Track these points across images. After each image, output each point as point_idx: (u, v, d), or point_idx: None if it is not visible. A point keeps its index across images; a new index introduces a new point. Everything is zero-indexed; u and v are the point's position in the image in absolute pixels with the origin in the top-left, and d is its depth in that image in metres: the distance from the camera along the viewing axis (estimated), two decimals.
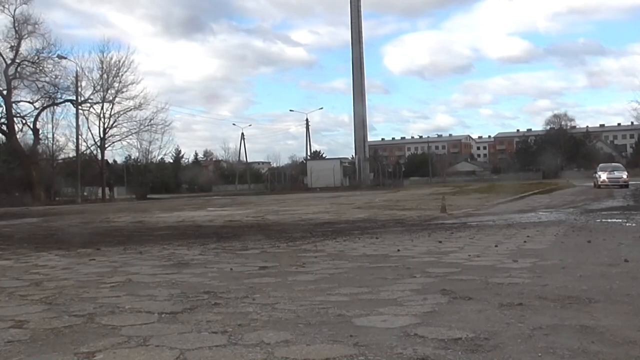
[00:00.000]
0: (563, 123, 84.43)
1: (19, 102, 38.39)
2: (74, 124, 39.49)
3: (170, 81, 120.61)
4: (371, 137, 76.24)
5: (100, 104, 41.38)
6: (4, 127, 37.76)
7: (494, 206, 17.37)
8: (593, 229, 9.30)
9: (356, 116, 51.49)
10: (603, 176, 29.44)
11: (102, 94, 41.41)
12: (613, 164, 35.73)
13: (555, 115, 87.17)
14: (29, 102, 38.62)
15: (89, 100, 40.93)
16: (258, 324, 3.45)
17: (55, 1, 79.81)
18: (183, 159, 71.42)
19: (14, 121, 37.50)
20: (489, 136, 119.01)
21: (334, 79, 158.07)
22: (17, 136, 37.99)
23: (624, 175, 29.94)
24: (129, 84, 41.90)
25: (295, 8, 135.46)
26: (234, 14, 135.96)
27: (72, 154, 40.64)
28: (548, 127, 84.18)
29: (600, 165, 32.85)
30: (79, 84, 39.26)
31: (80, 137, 39.73)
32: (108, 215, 18.40)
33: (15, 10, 36.20)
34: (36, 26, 36.88)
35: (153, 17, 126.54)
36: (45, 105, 39.00)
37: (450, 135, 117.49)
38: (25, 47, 37.57)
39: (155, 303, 4.19)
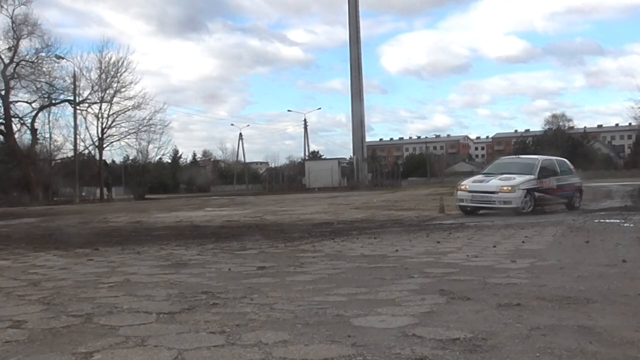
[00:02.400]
0: (561, 123, 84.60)
1: (16, 102, 38.39)
2: (72, 124, 39.49)
3: (166, 81, 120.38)
4: (369, 138, 76.20)
5: (99, 104, 41.39)
6: (2, 128, 37.70)
7: None
8: (591, 230, 9.32)
9: (354, 116, 51.48)
10: (467, 185, 14.29)
11: (100, 94, 41.43)
12: (523, 157, 17.58)
13: (553, 116, 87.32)
14: (26, 102, 38.62)
15: (87, 100, 40.94)
16: (256, 324, 3.45)
17: (50, 0, 79.53)
18: (181, 159, 71.40)
19: (11, 121, 37.46)
20: (487, 136, 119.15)
21: (331, 79, 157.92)
22: (15, 136, 37.95)
23: (518, 183, 13.55)
24: (128, 84, 41.90)
25: (291, 7, 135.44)
26: (229, 12, 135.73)
27: (70, 154, 40.61)
28: (546, 128, 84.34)
29: (496, 162, 16.70)
30: (77, 84, 39.24)
31: (78, 137, 39.73)
32: (106, 215, 18.38)
33: (13, 11, 36.19)
34: (34, 26, 36.87)
35: (147, 16, 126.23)
36: (43, 105, 38.97)
37: (448, 135, 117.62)
38: (24, 47, 37.57)
39: (153, 303, 4.18)
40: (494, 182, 13.86)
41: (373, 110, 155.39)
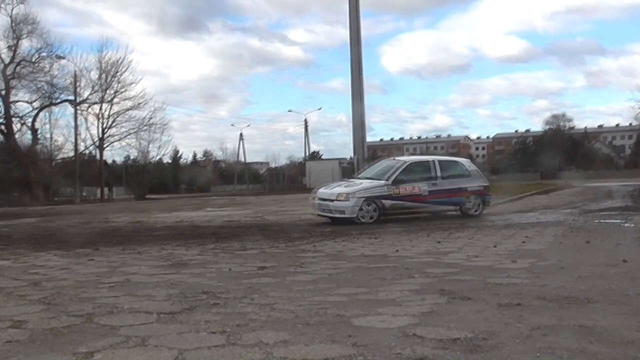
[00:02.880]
0: (561, 123, 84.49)
1: (17, 102, 38.36)
2: (73, 124, 39.49)
3: (166, 81, 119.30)
4: (369, 138, 76.16)
5: (99, 104, 41.38)
6: (3, 127, 37.65)
7: (493, 206, 17.36)
8: (591, 230, 9.32)
9: (355, 116, 51.35)
10: (318, 191, 13.15)
11: (100, 94, 41.39)
12: (394, 159, 14.23)
13: (553, 116, 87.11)
14: (27, 102, 38.57)
15: (88, 100, 40.90)
16: (257, 324, 3.46)
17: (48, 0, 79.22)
18: (181, 159, 71.39)
19: (12, 121, 37.44)
20: (488, 137, 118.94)
21: (331, 79, 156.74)
22: (16, 136, 37.93)
23: (355, 191, 12.18)
24: (128, 84, 41.89)
25: (291, 6, 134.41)
26: (229, 12, 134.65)
27: (71, 154, 40.54)
28: (547, 128, 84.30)
29: (374, 163, 15.42)
30: (77, 84, 39.25)
31: (78, 137, 39.71)
32: (107, 215, 18.37)
33: (12, 10, 36.12)
34: (34, 26, 36.85)
35: (147, 16, 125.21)
36: (43, 105, 38.92)
37: (448, 135, 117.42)
38: (24, 47, 37.57)
39: (154, 303, 4.19)
40: (335, 189, 12.67)
41: (373, 110, 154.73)
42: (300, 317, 3.62)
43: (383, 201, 12.16)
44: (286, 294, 4.39)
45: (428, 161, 13.50)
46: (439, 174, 12.83)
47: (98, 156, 43.37)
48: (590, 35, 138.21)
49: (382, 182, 12.42)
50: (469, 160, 14.04)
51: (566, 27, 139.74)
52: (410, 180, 12.56)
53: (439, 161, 13.48)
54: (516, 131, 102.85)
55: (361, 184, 12.57)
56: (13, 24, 36.32)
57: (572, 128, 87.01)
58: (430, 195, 12.56)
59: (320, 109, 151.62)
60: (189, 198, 37.88)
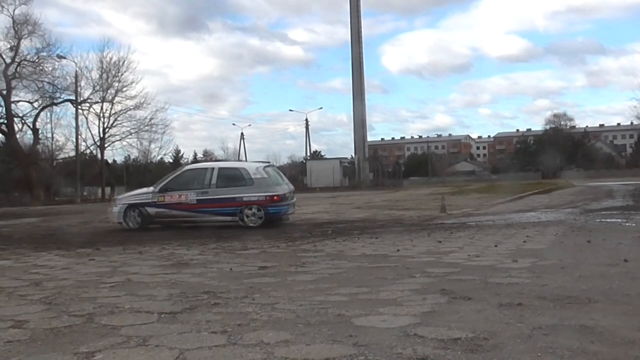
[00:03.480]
0: (562, 123, 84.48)
1: (18, 102, 38.39)
2: (74, 124, 39.53)
3: (166, 80, 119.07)
4: (370, 137, 76.01)
5: (100, 104, 41.40)
6: (4, 127, 37.68)
7: (494, 206, 17.37)
8: (592, 229, 9.30)
9: (355, 116, 51.29)
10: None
11: (101, 93, 41.41)
12: (181, 168, 14.82)
13: (554, 115, 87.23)
14: (28, 102, 38.61)
15: (89, 100, 40.92)
16: (258, 324, 3.46)
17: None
18: (183, 159, 71.39)
19: (13, 121, 37.48)
20: (489, 136, 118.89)
21: (331, 79, 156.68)
22: (17, 136, 37.97)
23: (122, 197, 13.26)
24: (129, 84, 41.88)
25: (291, 6, 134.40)
26: (229, 12, 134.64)
27: (72, 153, 40.58)
28: (547, 127, 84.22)
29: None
30: (78, 84, 39.26)
31: (79, 136, 39.75)
32: (107, 215, 18.38)
33: (14, 11, 36.18)
34: (35, 26, 36.89)
35: (147, 15, 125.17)
36: (44, 105, 38.97)
37: (449, 135, 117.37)
38: (25, 47, 37.60)
39: (155, 303, 4.19)
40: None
41: (374, 110, 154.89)
42: (301, 316, 3.62)
43: (147, 208, 12.18)
44: (287, 294, 4.39)
45: (205, 168, 13.06)
46: (213, 182, 12.20)
47: (99, 156, 43.42)
48: (591, 35, 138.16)
49: (150, 189, 12.55)
50: (258, 167, 12.76)
51: (567, 27, 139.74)
52: (178, 188, 12.25)
53: (219, 168, 12.75)
54: (517, 130, 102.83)
55: (135, 191, 13.17)
56: (15, 24, 36.37)
57: (573, 127, 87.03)
58: (199, 204, 12.07)
59: (321, 108, 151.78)
60: None
